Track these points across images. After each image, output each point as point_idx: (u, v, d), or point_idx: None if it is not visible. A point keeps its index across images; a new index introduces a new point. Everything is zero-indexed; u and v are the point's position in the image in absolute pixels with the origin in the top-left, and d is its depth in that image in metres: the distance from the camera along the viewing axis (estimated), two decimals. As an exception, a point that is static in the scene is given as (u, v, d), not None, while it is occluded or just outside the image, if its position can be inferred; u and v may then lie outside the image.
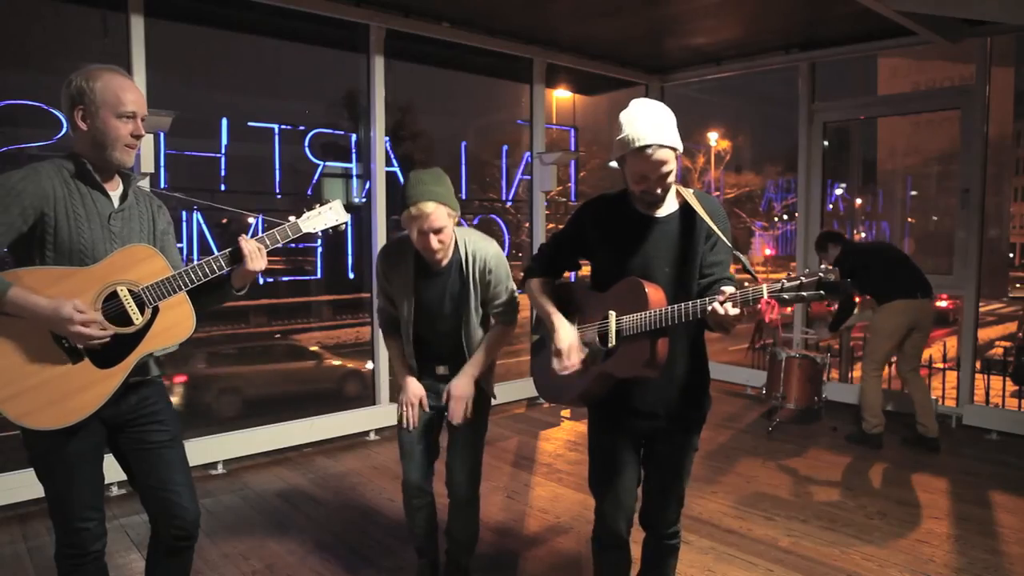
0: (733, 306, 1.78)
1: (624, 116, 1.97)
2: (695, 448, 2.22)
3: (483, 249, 2.52)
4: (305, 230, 2.12)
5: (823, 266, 1.76)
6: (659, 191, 2.00)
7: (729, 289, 1.81)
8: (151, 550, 2.16)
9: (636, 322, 1.95)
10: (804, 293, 1.72)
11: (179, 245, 4.28)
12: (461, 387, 2.54)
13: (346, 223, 2.19)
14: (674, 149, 1.95)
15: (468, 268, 2.50)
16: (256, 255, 2.02)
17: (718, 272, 2.04)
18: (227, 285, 2.08)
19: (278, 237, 2.06)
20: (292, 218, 2.13)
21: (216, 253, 2.00)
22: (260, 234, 2.07)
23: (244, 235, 2.03)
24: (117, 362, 1.89)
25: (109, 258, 1.90)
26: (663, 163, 1.94)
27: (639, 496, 2.25)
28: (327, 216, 2.15)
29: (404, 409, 2.60)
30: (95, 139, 1.90)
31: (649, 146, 1.91)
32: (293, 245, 5.28)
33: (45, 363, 1.83)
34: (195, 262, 1.97)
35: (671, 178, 2.00)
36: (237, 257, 2.01)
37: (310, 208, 2.14)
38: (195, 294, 2.01)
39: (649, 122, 1.92)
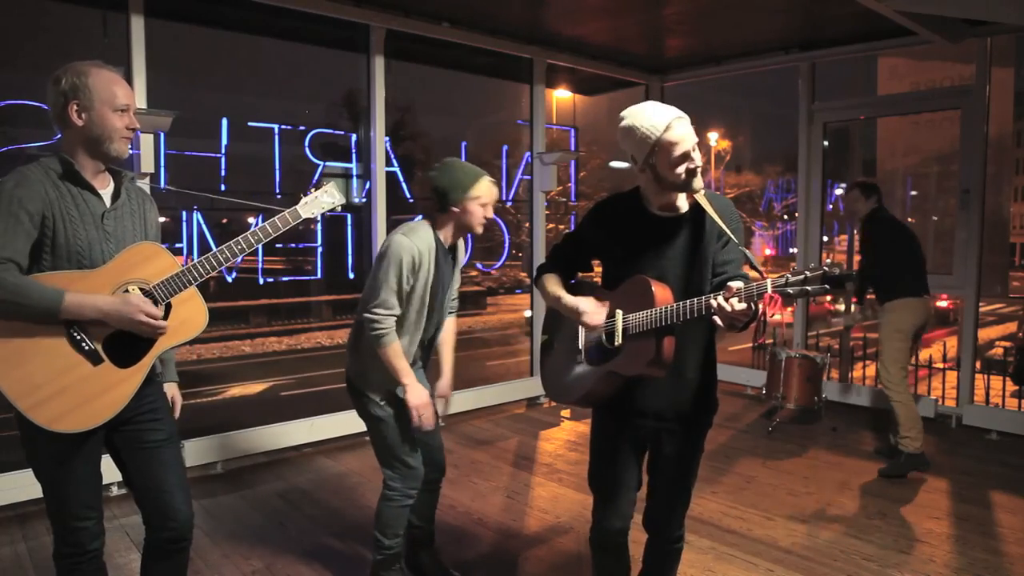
0: (739, 301, 1.75)
1: (632, 118, 1.94)
2: (701, 450, 2.22)
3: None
4: (304, 215, 2.15)
5: (827, 260, 1.73)
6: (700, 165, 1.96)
7: (736, 284, 1.78)
8: (145, 553, 2.14)
9: (642, 320, 1.94)
10: (808, 287, 1.67)
11: (178, 244, 4.28)
12: (449, 387, 2.75)
13: (342, 205, 2.24)
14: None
15: (457, 255, 2.68)
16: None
17: (731, 270, 2.02)
18: None
19: (279, 225, 2.07)
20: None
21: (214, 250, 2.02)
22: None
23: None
24: (136, 361, 1.91)
25: (118, 257, 1.90)
26: (692, 133, 1.94)
27: (638, 499, 2.24)
28: (323, 199, 2.18)
29: (422, 412, 2.53)
30: (91, 133, 1.89)
31: (680, 116, 1.92)
32: (294, 245, 5.27)
33: (66, 368, 1.84)
34: (209, 253, 1.99)
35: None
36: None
37: (306, 194, 2.18)
38: None
39: (659, 106, 1.96)
